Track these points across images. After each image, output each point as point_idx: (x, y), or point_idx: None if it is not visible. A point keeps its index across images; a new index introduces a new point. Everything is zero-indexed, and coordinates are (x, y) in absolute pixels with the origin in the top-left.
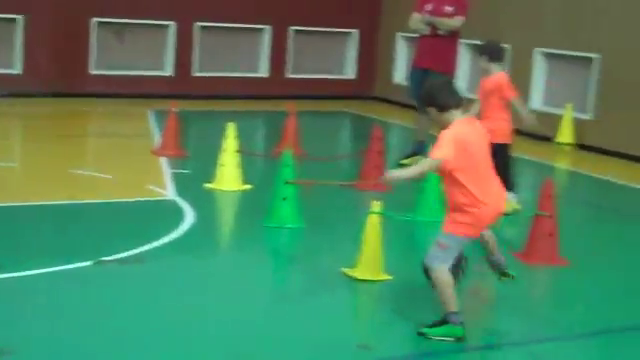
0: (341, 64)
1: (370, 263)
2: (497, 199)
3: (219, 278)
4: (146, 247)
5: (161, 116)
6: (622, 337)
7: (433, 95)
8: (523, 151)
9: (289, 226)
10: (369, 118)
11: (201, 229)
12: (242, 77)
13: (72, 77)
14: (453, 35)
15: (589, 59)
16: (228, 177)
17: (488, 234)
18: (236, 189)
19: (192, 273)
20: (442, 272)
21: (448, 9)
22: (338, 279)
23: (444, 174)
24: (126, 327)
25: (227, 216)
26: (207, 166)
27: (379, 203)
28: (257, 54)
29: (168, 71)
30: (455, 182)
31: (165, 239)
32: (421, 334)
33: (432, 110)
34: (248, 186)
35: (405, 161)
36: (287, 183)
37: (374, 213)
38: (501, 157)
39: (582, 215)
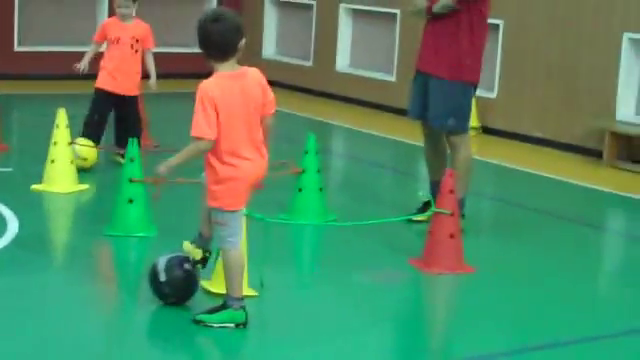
0: (195, 35)
1: None
2: (253, 163)
3: (50, 301)
4: None
5: None
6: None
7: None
8: (417, 137)
9: (137, 234)
10: None
11: (27, 242)
12: (76, 52)
13: None
14: (458, 15)
15: (494, 26)
16: (60, 176)
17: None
18: (70, 190)
19: (15, 296)
20: (231, 253)
21: None
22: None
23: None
24: None
25: (60, 224)
26: (33, 163)
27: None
28: (94, 23)
29: None
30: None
31: None
32: (198, 322)
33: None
34: (85, 186)
35: (419, 217)
36: (133, 182)
37: None
38: (135, 109)
39: (488, 211)
